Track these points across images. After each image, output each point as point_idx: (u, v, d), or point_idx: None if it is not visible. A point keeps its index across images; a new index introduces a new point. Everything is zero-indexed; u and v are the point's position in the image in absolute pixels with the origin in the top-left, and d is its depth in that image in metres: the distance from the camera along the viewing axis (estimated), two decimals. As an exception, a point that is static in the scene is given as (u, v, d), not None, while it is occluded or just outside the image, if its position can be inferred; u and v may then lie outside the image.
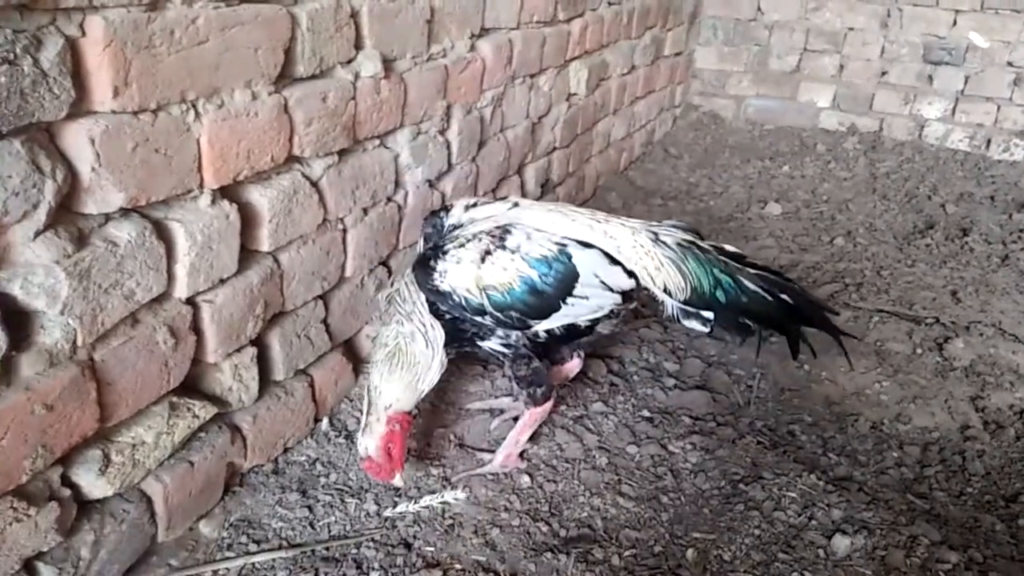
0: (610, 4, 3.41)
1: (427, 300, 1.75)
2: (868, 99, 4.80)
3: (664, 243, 1.81)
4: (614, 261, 1.78)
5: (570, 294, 1.74)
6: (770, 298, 1.83)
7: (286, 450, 1.86)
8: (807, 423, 2.26)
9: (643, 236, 1.81)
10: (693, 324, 1.85)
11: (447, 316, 1.76)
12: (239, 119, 1.49)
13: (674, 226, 1.90)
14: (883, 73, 4.71)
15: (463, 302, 1.71)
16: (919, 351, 2.66)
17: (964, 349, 2.66)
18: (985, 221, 3.77)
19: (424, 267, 1.73)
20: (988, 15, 4.37)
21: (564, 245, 1.73)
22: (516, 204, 1.87)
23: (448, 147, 2.31)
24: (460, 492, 1.80)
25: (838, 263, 3.30)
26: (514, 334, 1.78)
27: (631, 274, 1.80)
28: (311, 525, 1.71)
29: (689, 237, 1.86)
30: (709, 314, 1.82)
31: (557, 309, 1.74)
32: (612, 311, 1.84)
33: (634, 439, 2.03)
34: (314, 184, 1.75)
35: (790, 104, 4.99)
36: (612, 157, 3.92)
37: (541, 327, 1.77)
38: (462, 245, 1.72)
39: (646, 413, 2.15)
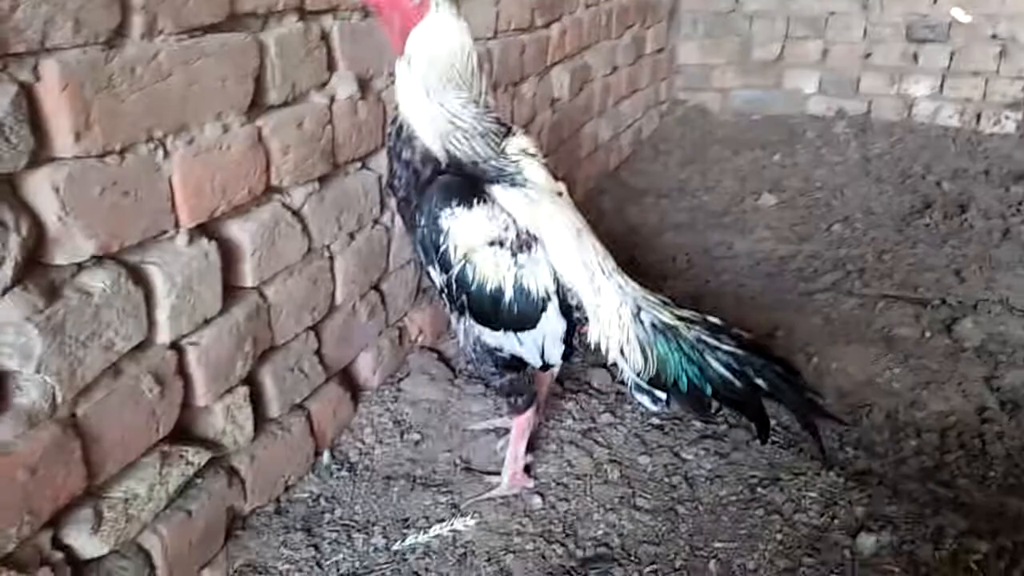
0: (588, 6, 3.37)
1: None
2: (854, 82, 4.76)
3: (641, 321, 1.68)
4: (570, 334, 1.70)
5: (513, 329, 1.65)
6: (739, 384, 1.66)
7: (287, 488, 1.80)
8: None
9: (626, 309, 1.67)
10: (644, 399, 1.73)
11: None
12: (211, 153, 1.44)
13: (664, 302, 1.73)
14: (867, 55, 4.67)
15: (434, 237, 1.56)
16: (928, 334, 2.61)
17: (973, 329, 2.60)
18: (982, 196, 3.72)
19: (456, 170, 1.57)
20: (969, -12, 4.34)
21: (548, 298, 1.62)
22: (559, 194, 1.74)
23: (433, 164, 2.25)
24: (470, 519, 1.74)
25: (838, 250, 3.25)
26: (443, 288, 1.65)
27: (569, 351, 1.72)
28: (318, 565, 1.65)
29: (668, 320, 1.68)
30: (662, 394, 1.71)
31: (496, 329, 1.66)
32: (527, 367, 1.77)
33: (645, 449, 1.98)
34: (296, 213, 1.70)
35: (776, 92, 4.95)
36: (601, 159, 3.87)
37: (469, 324, 1.69)
38: (491, 211, 1.56)
39: (655, 420, 2.09)
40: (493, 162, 1.61)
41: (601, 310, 1.67)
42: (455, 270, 1.58)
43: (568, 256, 1.65)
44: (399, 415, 2.10)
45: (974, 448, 2.08)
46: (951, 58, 4.50)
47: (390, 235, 2.09)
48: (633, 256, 3.22)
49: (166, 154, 1.35)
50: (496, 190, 1.60)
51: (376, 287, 2.08)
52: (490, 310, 1.62)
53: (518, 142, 1.67)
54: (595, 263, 1.68)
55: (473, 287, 1.58)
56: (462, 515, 1.75)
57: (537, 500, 1.82)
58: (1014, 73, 4.40)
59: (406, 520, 1.75)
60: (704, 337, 1.68)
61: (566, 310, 1.66)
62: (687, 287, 2.96)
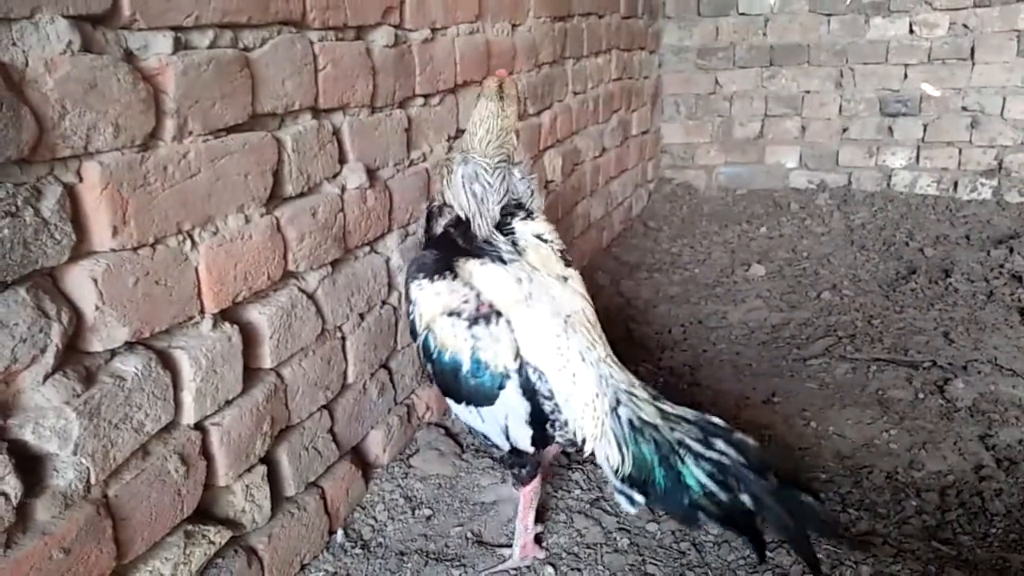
0: (576, 94, 3.55)
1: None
2: (833, 155, 4.96)
3: (618, 416, 1.62)
4: (537, 421, 1.67)
5: (473, 403, 1.69)
6: (723, 496, 1.51)
7: (303, 567, 1.83)
8: (821, 480, 2.24)
9: (603, 401, 1.63)
10: (621, 499, 1.63)
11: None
12: (234, 243, 1.53)
13: (655, 397, 1.67)
14: (844, 130, 4.89)
15: (408, 306, 1.78)
16: (921, 395, 2.67)
17: (965, 389, 2.67)
18: (965, 260, 3.84)
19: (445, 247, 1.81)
20: (936, 65, 4.58)
21: (508, 375, 1.63)
22: (565, 279, 1.80)
23: (436, 246, 2.36)
24: (486, 591, 1.76)
25: (828, 317, 3.34)
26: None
27: (543, 439, 1.70)
28: (336, 643, 1.66)
29: (648, 417, 1.62)
30: (640, 497, 1.60)
31: (458, 402, 1.72)
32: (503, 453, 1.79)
33: (653, 516, 2.01)
34: (310, 296, 1.79)
35: (759, 168, 5.14)
36: (594, 236, 4.00)
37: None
38: (452, 285, 1.70)
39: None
40: (486, 241, 1.79)
41: (573, 399, 1.63)
42: (420, 338, 1.74)
43: (538, 338, 1.65)
44: (410, 491, 2.14)
45: (974, 506, 2.13)
46: (924, 130, 4.71)
47: (397, 315, 2.17)
48: (630, 329, 3.31)
49: (193, 245, 1.45)
50: (472, 265, 1.73)
51: (385, 365, 2.15)
52: (451, 381, 1.70)
53: (535, 227, 1.80)
54: (575, 349, 1.66)
55: (435, 354, 1.70)
56: (478, 587, 1.77)
57: (549, 570, 1.85)
58: (986, 142, 4.60)
59: None
60: (688, 440, 1.56)
61: (530, 392, 1.65)
62: (684, 357, 3.04)
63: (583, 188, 3.76)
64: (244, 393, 1.59)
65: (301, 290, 1.76)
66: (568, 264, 1.90)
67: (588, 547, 1.93)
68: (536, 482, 1.87)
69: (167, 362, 1.41)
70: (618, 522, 2.00)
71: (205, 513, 1.57)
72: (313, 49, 1.75)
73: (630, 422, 1.61)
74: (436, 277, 1.71)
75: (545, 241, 1.87)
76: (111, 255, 1.28)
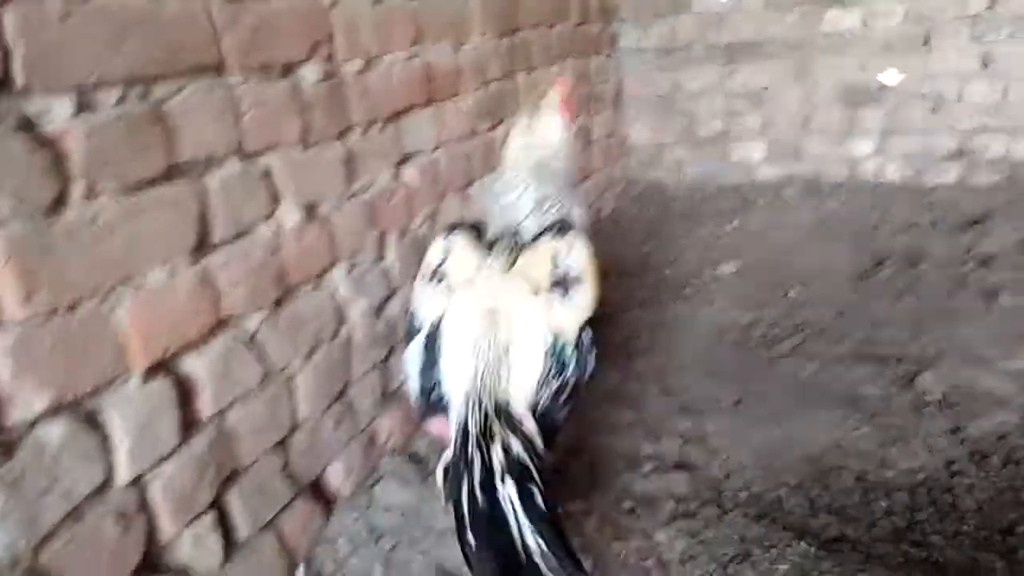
0: (530, 105, 3.53)
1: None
2: (798, 148, 4.95)
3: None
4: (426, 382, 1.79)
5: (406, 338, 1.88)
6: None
7: (263, 614, 1.80)
8: (791, 485, 2.22)
9: (474, 415, 1.66)
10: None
11: None
12: (159, 296, 1.50)
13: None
14: (807, 121, 4.88)
15: None
16: (892, 390, 2.66)
17: (935, 382, 2.66)
18: (934, 247, 3.84)
19: None
20: (892, 54, 4.57)
21: (421, 327, 1.80)
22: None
23: (387, 273, 2.34)
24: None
25: (798, 313, 3.32)
26: None
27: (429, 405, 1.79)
28: None
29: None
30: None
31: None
32: None
33: (617, 534, 1.99)
34: (251, 340, 1.76)
35: (725, 164, 5.13)
36: (561, 247, 3.97)
37: None
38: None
39: (627, 504, 2.11)
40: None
41: (452, 381, 1.74)
42: None
43: (456, 315, 1.79)
44: (372, 522, 2.11)
45: (945, 504, 2.11)
46: (886, 117, 4.70)
47: (349, 348, 2.14)
48: (602, 333, 3.26)
49: (115, 303, 1.41)
50: (461, 240, 1.91)
51: (341, 397, 2.12)
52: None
53: (555, 245, 1.85)
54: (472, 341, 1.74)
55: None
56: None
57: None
58: (948, 126, 4.60)
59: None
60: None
61: (430, 351, 1.77)
62: (653, 363, 3.01)
63: (546, 199, 3.73)
64: (183, 444, 1.56)
65: (239, 335, 1.73)
66: (564, 290, 1.83)
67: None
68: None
69: (95, 423, 1.38)
70: (581, 542, 1.96)
71: (154, 567, 1.53)
72: (234, 94, 1.72)
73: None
74: (441, 237, 1.93)
75: (556, 265, 1.84)
76: (23, 324, 1.25)
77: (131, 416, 1.43)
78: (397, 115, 2.42)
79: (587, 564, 1.91)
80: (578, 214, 2.05)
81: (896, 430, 2.44)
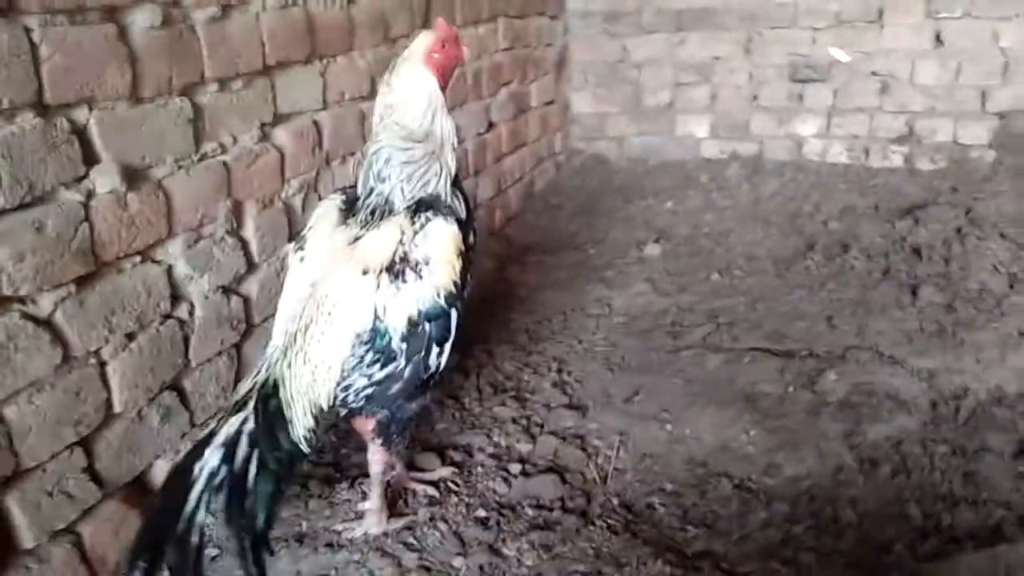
0: (448, 67, 3.30)
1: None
2: (744, 124, 4.77)
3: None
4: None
5: None
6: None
7: (55, 624, 1.62)
8: (667, 492, 2.09)
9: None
10: None
11: None
12: (-99, 272, 1.30)
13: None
14: (754, 97, 4.69)
15: None
16: (791, 389, 2.52)
17: (837, 381, 2.53)
18: (867, 234, 3.70)
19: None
20: (844, 29, 4.39)
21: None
22: (364, 273, 1.72)
23: (245, 247, 2.13)
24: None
25: (713, 301, 3.18)
26: None
27: None
28: None
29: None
30: None
31: None
32: None
33: (462, 548, 1.83)
34: (43, 322, 1.56)
35: (670, 138, 4.94)
36: (483, 217, 3.78)
37: None
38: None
39: (481, 512, 1.95)
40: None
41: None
42: None
43: (294, 276, 1.83)
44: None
45: (825, 517, 1.99)
46: (835, 96, 4.53)
47: (187, 330, 1.94)
48: (508, 318, 3.12)
49: None
50: (328, 206, 1.88)
51: (173, 386, 1.92)
52: None
53: (405, 225, 1.73)
54: (289, 304, 1.80)
55: None
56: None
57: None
58: (896, 108, 4.44)
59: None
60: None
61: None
62: (556, 350, 2.86)
63: (464, 168, 3.53)
64: (-66, 446, 1.37)
65: (27, 316, 1.53)
66: (397, 275, 1.70)
67: (386, 589, 1.74)
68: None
69: None
70: (419, 558, 1.80)
71: None
72: (30, 37, 1.50)
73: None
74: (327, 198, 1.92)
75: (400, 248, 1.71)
76: None
77: None
78: (268, 70, 2.20)
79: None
80: (444, 187, 1.83)
81: (788, 433, 2.30)
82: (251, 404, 1.64)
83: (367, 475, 1.92)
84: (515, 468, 2.13)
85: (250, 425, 1.60)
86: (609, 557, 1.81)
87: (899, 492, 2.06)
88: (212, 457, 1.55)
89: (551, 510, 1.98)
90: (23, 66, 1.49)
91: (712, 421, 2.36)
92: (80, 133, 1.64)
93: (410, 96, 1.79)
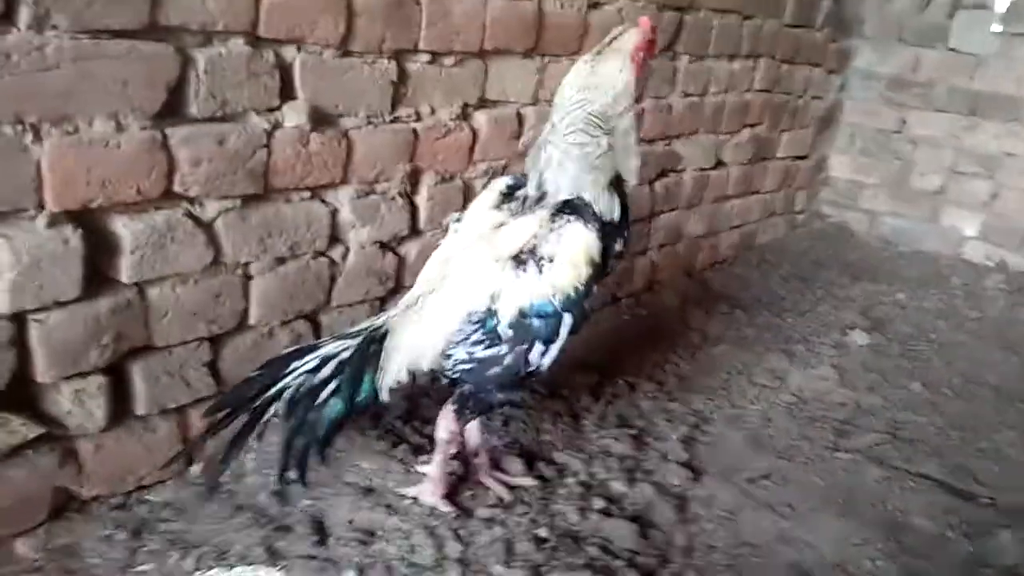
0: (686, 95, 3.21)
1: None
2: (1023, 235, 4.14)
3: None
4: None
5: None
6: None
7: (141, 487, 1.82)
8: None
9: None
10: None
11: None
12: (94, 148, 1.51)
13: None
14: (1046, 206, 4.06)
15: None
16: (950, 535, 2.15)
17: (1010, 545, 2.10)
18: None
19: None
20: None
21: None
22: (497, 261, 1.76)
23: (413, 211, 2.23)
24: (276, 571, 1.65)
25: (902, 412, 2.79)
26: None
27: None
28: (121, 570, 1.64)
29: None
30: None
31: None
32: None
33: (507, 558, 1.77)
34: (204, 225, 1.74)
35: (930, 227, 4.42)
36: (680, 253, 3.63)
37: None
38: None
39: (542, 532, 1.87)
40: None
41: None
42: None
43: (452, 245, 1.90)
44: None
45: None
46: None
47: (336, 270, 2.08)
48: (667, 359, 2.97)
49: (37, 138, 1.44)
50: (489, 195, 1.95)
51: (309, 317, 2.06)
52: None
53: (547, 219, 1.75)
54: (434, 267, 1.89)
55: None
56: (274, 564, 1.67)
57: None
58: None
59: (225, 552, 1.70)
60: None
61: None
62: (703, 406, 2.66)
63: (675, 198, 3.42)
64: (84, 300, 1.58)
65: (190, 215, 1.72)
66: (519, 264, 1.73)
67: (411, 565, 1.73)
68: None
69: (-15, 245, 1.42)
70: (461, 551, 1.76)
71: (25, 405, 1.58)
72: (262, -28, 1.68)
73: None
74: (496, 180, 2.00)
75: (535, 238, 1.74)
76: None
77: (24, 252, 1.46)
78: (484, 54, 2.28)
79: None
80: (600, 192, 1.78)
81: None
82: (359, 340, 1.75)
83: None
84: (598, 503, 2.02)
85: (346, 354, 1.73)
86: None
87: None
88: (310, 361, 1.72)
89: (617, 557, 1.85)
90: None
91: (837, 534, 2.08)
92: (284, 69, 1.80)
93: (612, 83, 1.76)
